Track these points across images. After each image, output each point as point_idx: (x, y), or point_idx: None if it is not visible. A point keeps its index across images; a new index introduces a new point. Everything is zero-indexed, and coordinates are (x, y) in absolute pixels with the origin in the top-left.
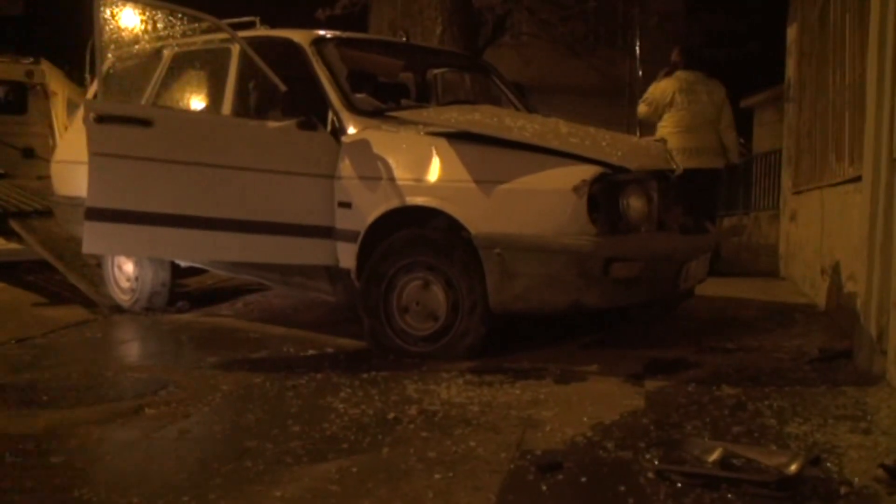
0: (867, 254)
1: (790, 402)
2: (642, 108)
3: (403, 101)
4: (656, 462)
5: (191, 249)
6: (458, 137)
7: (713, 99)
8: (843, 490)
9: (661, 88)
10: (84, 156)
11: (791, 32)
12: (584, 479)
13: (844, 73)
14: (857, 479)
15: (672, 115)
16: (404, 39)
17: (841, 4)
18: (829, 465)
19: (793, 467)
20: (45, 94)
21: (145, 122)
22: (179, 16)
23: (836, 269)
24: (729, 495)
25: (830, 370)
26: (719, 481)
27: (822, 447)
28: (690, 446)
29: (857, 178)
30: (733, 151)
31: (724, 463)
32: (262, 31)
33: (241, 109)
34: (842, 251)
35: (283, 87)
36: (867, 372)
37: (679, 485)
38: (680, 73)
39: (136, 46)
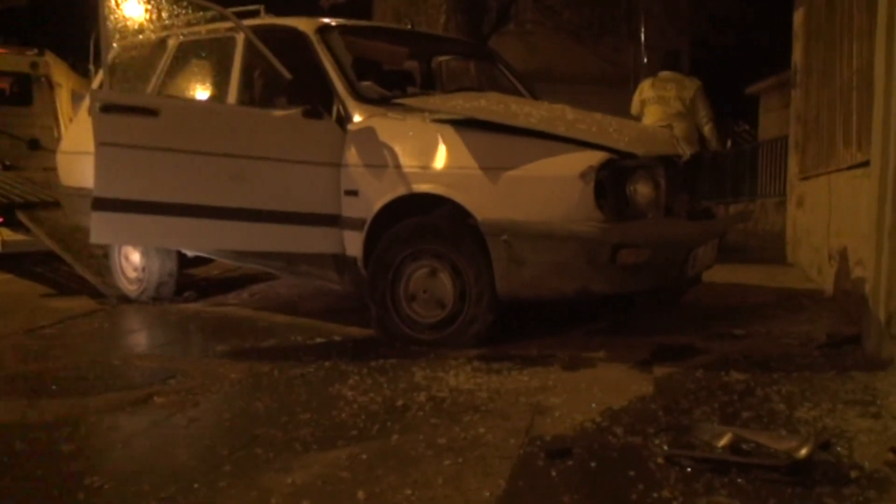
0: (876, 239)
1: (799, 388)
2: (633, 106)
3: (409, 89)
4: (666, 447)
5: (198, 239)
6: (464, 124)
7: (681, 96)
8: (853, 474)
9: (641, 88)
10: (90, 146)
11: (797, 17)
12: (593, 465)
13: (852, 57)
14: (867, 464)
15: (648, 109)
16: (409, 27)
17: None
18: (839, 449)
19: (803, 452)
20: (50, 86)
21: (151, 112)
22: (184, 4)
23: (843, 254)
24: (739, 480)
25: (839, 355)
26: (729, 466)
27: (832, 432)
28: (700, 431)
29: (866, 163)
30: (712, 141)
31: (733, 448)
32: (266, 20)
33: (247, 98)
34: (850, 236)
35: (288, 76)
36: (876, 357)
37: (689, 470)
38: (661, 74)
39: (141, 36)
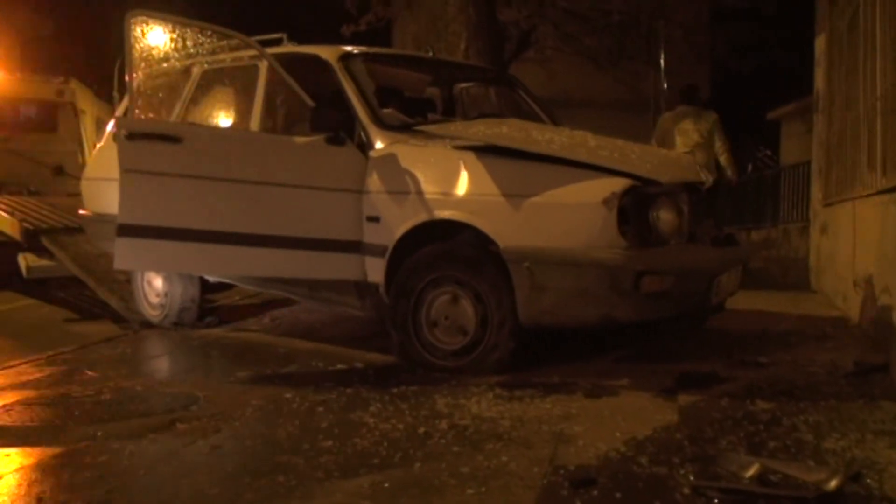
0: None
1: (826, 417)
2: (654, 140)
3: (430, 116)
4: (692, 478)
5: (221, 265)
6: (485, 151)
7: (699, 128)
8: None
9: (661, 121)
10: (114, 173)
11: (819, 42)
12: (618, 495)
13: (876, 82)
14: None
15: (668, 141)
16: (430, 54)
17: (871, 12)
18: (869, 481)
19: (832, 483)
20: (75, 113)
21: (175, 139)
22: (208, 33)
23: (869, 281)
24: None
25: (866, 384)
26: (757, 498)
27: (862, 463)
28: (726, 462)
29: (892, 189)
30: (728, 170)
31: (761, 479)
32: (289, 48)
33: (270, 125)
34: (875, 263)
35: (311, 103)
36: None
37: (716, 501)
38: (678, 108)
39: (166, 64)
